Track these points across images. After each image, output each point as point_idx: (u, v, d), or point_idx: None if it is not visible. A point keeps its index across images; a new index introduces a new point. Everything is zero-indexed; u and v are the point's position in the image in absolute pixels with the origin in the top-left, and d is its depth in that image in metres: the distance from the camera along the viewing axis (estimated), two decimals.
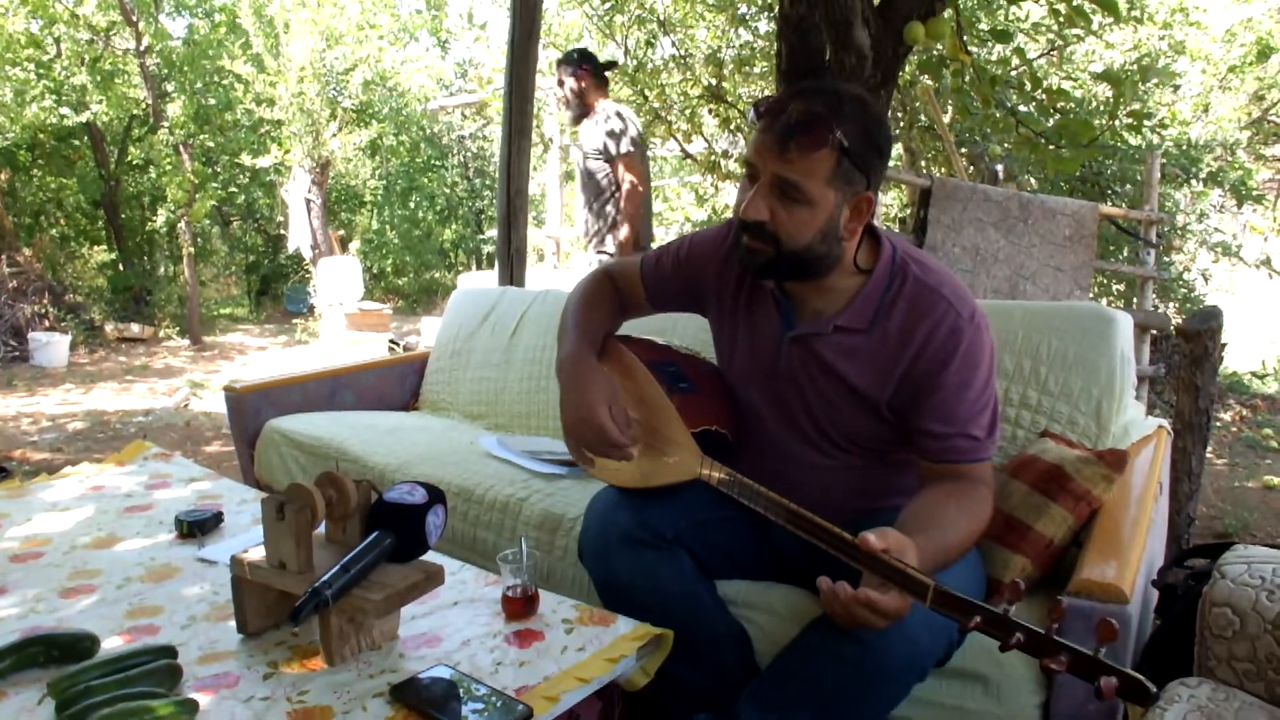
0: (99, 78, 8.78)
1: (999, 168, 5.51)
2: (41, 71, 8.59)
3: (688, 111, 5.99)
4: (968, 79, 2.56)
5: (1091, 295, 4.65)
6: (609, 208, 3.60)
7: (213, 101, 9.77)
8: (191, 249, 8.62)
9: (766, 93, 5.31)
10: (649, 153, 4.46)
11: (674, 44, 6.01)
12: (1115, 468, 1.55)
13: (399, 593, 1.23)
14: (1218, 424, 4.90)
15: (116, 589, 1.47)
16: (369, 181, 12.88)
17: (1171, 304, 5.88)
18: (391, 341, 6.85)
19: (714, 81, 5.77)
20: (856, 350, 1.41)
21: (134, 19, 8.31)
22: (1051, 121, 2.70)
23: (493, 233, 6.69)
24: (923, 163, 5.86)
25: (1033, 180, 5.70)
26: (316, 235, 9.33)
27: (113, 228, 9.72)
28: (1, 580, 1.51)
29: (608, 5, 6.28)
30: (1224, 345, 3.60)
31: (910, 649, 1.25)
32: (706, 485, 1.46)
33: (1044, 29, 5.76)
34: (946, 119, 5.04)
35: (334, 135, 9.51)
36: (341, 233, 11.51)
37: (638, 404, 1.56)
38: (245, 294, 12.07)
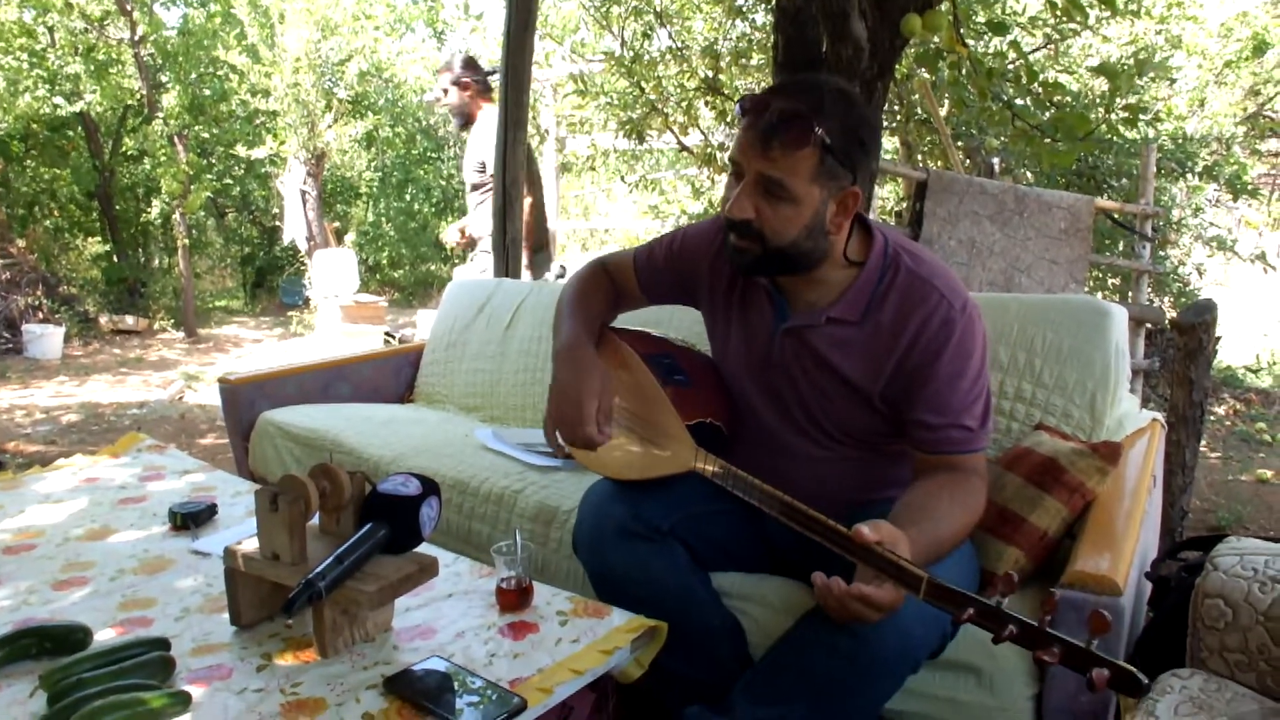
0: (93, 67, 8.73)
1: (995, 161, 5.51)
2: (35, 61, 8.53)
3: (684, 104, 5.97)
4: (964, 72, 2.56)
5: (1087, 288, 4.66)
6: (486, 223, 3.65)
7: (207, 92, 9.70)
8: (186, 241, 8.58)
9: (764, 85, 5.29)
10: (644, 145, 4.47)
11: (671, 35, 5.98)
12: (1109, 460, 1.56)
13: (393, 584, 1.23)
14: (1211, 418, 4.91)
15: (110, 581, 1.47)
16: (364, 173, 12.82)
17: (1166, 298, 5.89)
18: (387, 334, 6.83)
19: (711, 74, 5.75)
20: (849, 342, 1.42)
21: (128, 8, 8.25)
22: (1047, 115, 2.70)
23: None
24: (919, 156, 5.86)
25: (1029, 174, 5.70)
26: (312, 227, 9.30)
27: (107, 219, 9.66)
28: None
29: None
30: (1218, 339, 3.61)
31: (903, 641, 1.26)
32: (701, 478, 1.46)
33: (1041, 22, 5.75)
34: (943, 112, 5.04)
35: (329, 127, 9.47)
36: (337, 225, 11.46)
37: (632, 396, 1.56)
38: (240, 286, 12.02)
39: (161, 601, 1.39)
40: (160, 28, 8.79)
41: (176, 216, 8.42)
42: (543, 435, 2.43)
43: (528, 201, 3.58)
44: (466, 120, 3.70)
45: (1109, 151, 5.47)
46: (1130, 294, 4.77)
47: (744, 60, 5.72)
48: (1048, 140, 2.61)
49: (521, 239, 3.85)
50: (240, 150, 9.73)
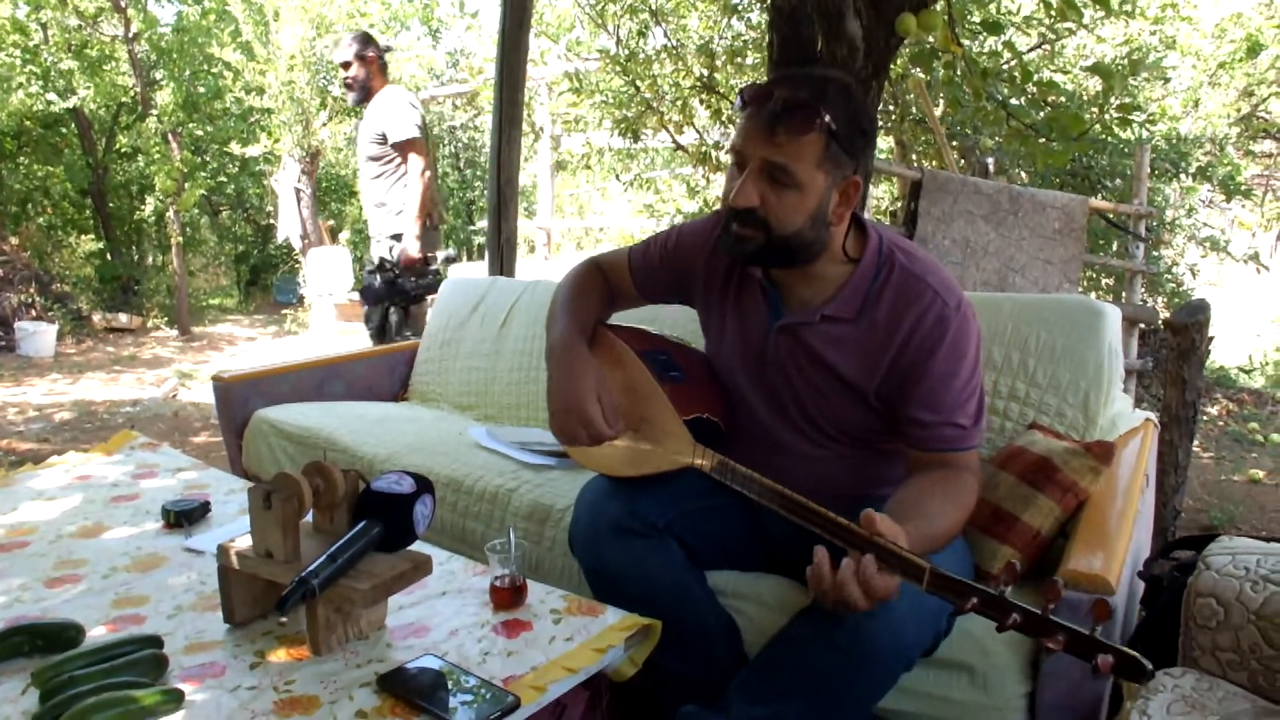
0: (86, 64, 8.70)
1: (990, 161, 5.51)
2: (28, 57, 8.49)
3: (679, 102, 5.97)
4: (959, 71, 2.56)
5: (1080, 288, 4.67)
6: (386, 195, 3.70)
7: (202, 89, 9.67)
8: (180, 238, 8.56)
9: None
10: (640, 143, 4.49)
11: (666, 34, 5.98)
12: (1102, 460, 1.56)
13: (386, 582, 1.23)
14: (1204, 418, 4.92)
15: (102, 579, 1.46)
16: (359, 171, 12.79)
17: (1160, 298, 5.91)
18: None
19: (706, 72, 5.75)
20: (844, 339, 1.42)
21: (122, 4, 8.23)
22: (1042, 114, 2.71)
23: (483, 223, 6.68)
24: (914, 155, 5.86)
25: (1023, 173, 5.71)
26: (306, 225, 9.27)
27: (100, 216, 9.64)
28: None
29: None
30: (1211, 339, 3.62)
31: (897, 638, 1.26)
32: (698, 474, 1.46)
33: (1036, 22, 5.76)
34: (938, 112, 5.04)
35: (324, 124, 9.44)
36: (331, 223, 11.43)
37: (628, 393, 1.55)
38: (234, 284, 12.00)
39: (154, 599, 1.39)
40: (154, 24, 8.76)
41: (170, 214, 8.41)
42: (537, 434, 2.45)
43: (427, 175, 3.62)
44: (366, 94, 3.70)
45: (1103, 152, 5.48)
46: (1124, 294, 4.78)
47: (739, 59, 5.71)
48: (1042, 140, 2.62)
49: (516, 238, 3.86)
50: (235, 148, 9.69)
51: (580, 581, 1.74)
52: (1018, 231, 4.26)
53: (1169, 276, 5.94)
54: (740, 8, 5.82)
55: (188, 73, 9.16)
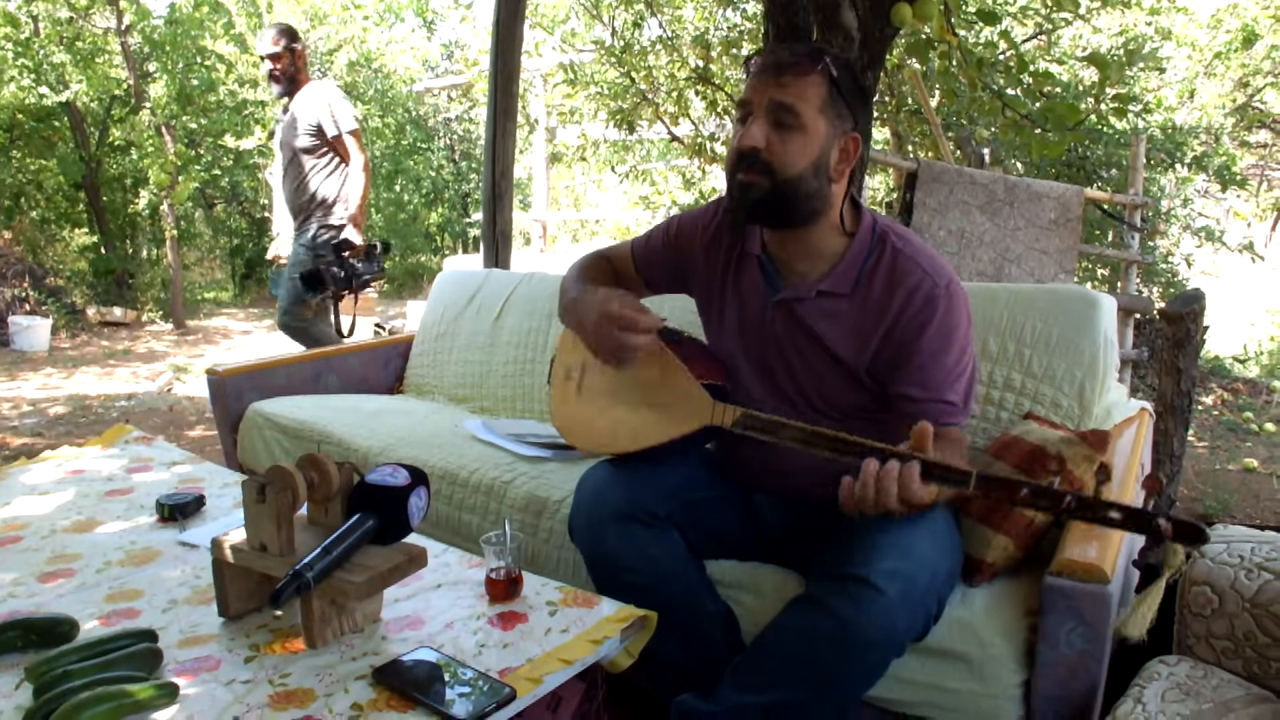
0: (79, 57, 8.65)
1: (985, 151, 5.51)
2: (19, 50, 8.43)
3: (675, 94, 5.95)
4: (955, 62, 2.55)
5: (1076, 278, 4.67)
6: (323, 186, 3.69)
7: (195, 82, 9.62)
8: (174, 232, 8.52)
9: None
10: (635, 135, 4.49)
11: (661, 25, 5.96)
12: (1097, 448, 1.56)
13: (381, 575, 1.22)
14: (1199, 407, 4.93)
15: (96, 573, 1.46)
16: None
17: (1155, 288, 5.91)
18: (377, 325, 6.81)
19: (701, 63, 5.73)
20: (838, 315, 1.46)
21: None
22: (1038, 105, 2.70)
23: (479, 216, 6.66)
24: (909, 146, 5.86)
25: (1019, 164, 5.71)
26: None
27: (94, 210, 9.59)
28: None
29: None
30: (1206, 329, 3.63)
31: (888, 623, 1.26)
32: (699, 464, 1.50)
33: (1032, 12, 5.75)
34: (934, 102, 5.04)
35: None
36: None
37: (643, 363, 1.56)
38: (229, 277, 11.96)
39: (149, 593, 1.38)
40: (147, 16, 8.70)
41: (165, 207, 8.37)
42: (533, 426, 2.44)
43: (367, 165, 3.65)
44: (293, 87, 3.68)
45: (1099, 142, 5.48)
46: (1119, 284, 4.78)
47: (735, 50, 5.70)
48: (1038, 130, 2.61)
49: (511, 230, 3.85)
50: (229, 141, 9.66)
51: (576, 573, 1.75)
52: (1013, 222, 4.26)
53: (1164, 266, 5.94)
54: None
55: (181, 65, 9.10)
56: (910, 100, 5.54)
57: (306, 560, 1.15)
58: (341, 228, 3.66)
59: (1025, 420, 1.75)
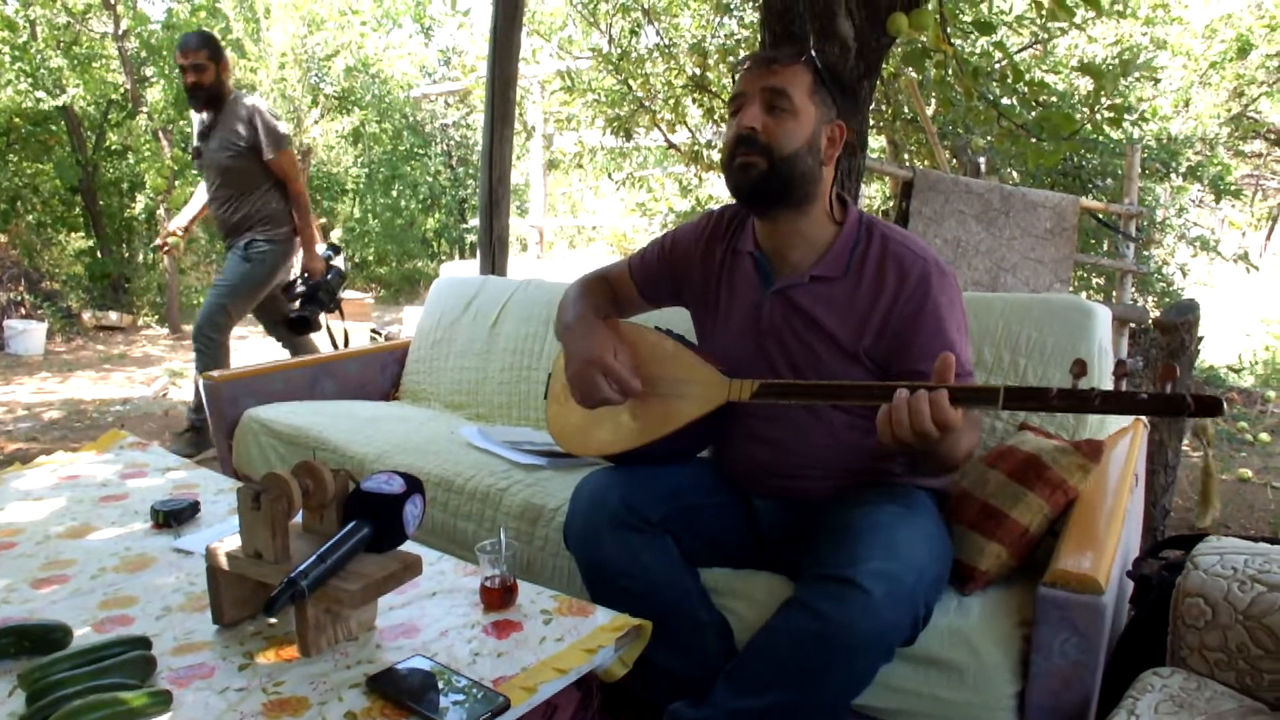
0: (76, 61, 8.65)
1: (981, 160, 5.53)
2: (16, 54, 8.44)
3: (672, 101, 5.97)
4: (950, 71, 2.56)
5: (1071, 288, 4.68)
6: (260, 207, 3.55)
7: None
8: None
9: None
10: (632, 142, 4.49)
11: (658, 33, 5.97)
12: (1091, 458, 1.57)
13: (376, 583, 1.22)
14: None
15: (90, 579, 1.45)
16: (351, 169, 12.77)
17: (1150, 297, 5.92)
18: (373, 331, 6.81)
19: (698, 71, 5.75)
20: (834, 298, 1.51)
21: (112, 1, 8.19)
22: (1033, 114, 2.71)
23: (476, 222, 6.66)
24: (905, 155, 5.87)
25: (1014, 173, 5.72)
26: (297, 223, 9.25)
27: (90, 214, 9.58)
28: None
29: None
30: (1201, 339, 3.64)
31: (874, 623, 1.27)
32: (698, 470, 1.55)
33: (1027, 22, 5.77)
34: (929, 111, 5.05)
35: (315, 122, 9.44)
36: (323, 221, 11.42)
37: (653, 361, 1.61)
38: None
39: (142, 600, 1.38)
40: (144, 21, 8.72)
41: (161, 212, 8.36)
42: (528, 433, 2.44)
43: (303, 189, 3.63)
44: (218, 97, 3.47)
45: (1094, 151, 5.50)
46: (1114, 293, 4.79)
47: (731, 58, 5.71)
48: (1033, 140, 2.62)
49: (508, 237, 3.85)
50: None
51: (571, 581, 1.74)
52: (1009, 231, 4.27)
53: (1159, 276, 5.96)
54: (732, 6, 5.83)
55: (178, 70, 9.13)
56: (906, 109, 5.56)
57: (301, 568, 1.15)
58: (285, 243, 3.59)
59: (1021, 431, 1.76)
